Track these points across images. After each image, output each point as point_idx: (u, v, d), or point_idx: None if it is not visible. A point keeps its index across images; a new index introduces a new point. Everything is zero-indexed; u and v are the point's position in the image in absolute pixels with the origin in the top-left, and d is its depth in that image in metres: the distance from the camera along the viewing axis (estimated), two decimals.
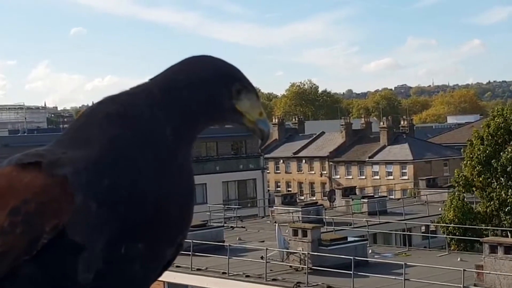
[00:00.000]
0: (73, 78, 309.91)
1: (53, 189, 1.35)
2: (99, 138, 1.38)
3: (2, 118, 69.15)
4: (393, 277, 21.02)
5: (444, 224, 30.69)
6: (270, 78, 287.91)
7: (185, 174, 1.43)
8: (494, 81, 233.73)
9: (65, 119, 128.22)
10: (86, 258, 1.35)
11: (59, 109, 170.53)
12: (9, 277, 1.36)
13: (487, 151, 31.26)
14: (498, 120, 31.62)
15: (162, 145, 1.39)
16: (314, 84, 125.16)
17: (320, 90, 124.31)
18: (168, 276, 21.08)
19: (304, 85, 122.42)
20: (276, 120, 71.69)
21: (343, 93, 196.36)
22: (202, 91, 1.46)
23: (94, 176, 1.35)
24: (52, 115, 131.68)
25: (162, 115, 1.41)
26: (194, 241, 23.81)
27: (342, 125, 67.30)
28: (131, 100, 1.42)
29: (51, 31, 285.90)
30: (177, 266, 23.02)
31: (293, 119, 78.75)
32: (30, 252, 1.34)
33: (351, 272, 20.69)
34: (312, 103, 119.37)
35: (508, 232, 29.00)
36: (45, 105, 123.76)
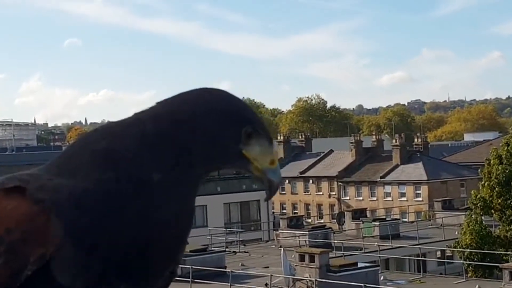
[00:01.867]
0: (66, 93, 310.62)
1: (39, 217, 1.34)
2: (86, 173, 1.37)
3: None
4: None
5: (461, 249, 30.62)
6: (275, 92, 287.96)
7: (175, 220, 1.40)
8: None
9: (56, 137, 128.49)
10: None
11: (49, 125, 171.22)
12: None
13: (507, 171, 31.27)
14: None
15: (146, 190, 1.36)
16: (322, 99, 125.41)
17: (328, 105, 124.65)
18: None
19: (312, 100, 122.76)
20: (282, 138, 71.74)
21: (353, 108, 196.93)
22: (205, 131, 1.40)
23: (75, 210, 1.34)
24: (43, 132, 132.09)
25: (150, 156, 1.37)
26: (193, 267, 23.76)
27: (352, 142, 67.29)
28: (120, 136, 1.40)
29: (44, 42, 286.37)
30: None
31: (300, 136, 78.80)
32: (13, 284, 1.33)
33: None
34: (320, 119, 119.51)
35: None
36: (34, 121, 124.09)
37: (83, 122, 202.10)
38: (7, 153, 45.19)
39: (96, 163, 1.38)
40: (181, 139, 1.39)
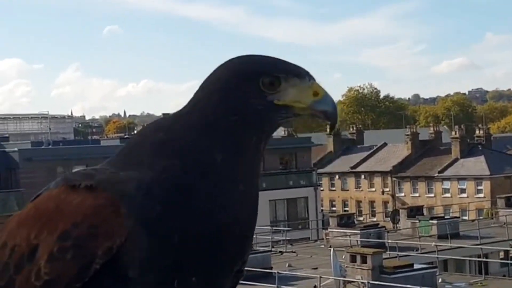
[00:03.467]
0: (104, 84, 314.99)
1: (105, 209, 1.40)
2: (149, 164, 1.44)
3: (24, 128, 70.72)
4: None
5: None
6: (325, 82, 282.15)
7: (247, 201, 1.46)
8: None
9: (94, 130, 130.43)
10: None
11: (87, 118, 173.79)
12: None
13: None
14: None
15: (213, 173, 1.43)
16: (375, 89, 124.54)
17: (382, 95, 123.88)
18: None
19: (364, 89, 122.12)
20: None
21: (409, 98, 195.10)
22: (230, 103, 1.47)
23: (146, 200, 1.39)
24: (80, 125, 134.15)
25: (206, 141, 1.45)
26: None
27: (407, 135, 66.80)
28: (174, 128, 1.49)
29: (83, 30, 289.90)
30: None
31: (351, 129, 78.51)
32: (82, 279, 1.39)
33: None
34: (372, 110, 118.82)
35: None
36: (71, 113, 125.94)
37: (122, 115, 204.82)
38: (43, 147, 45.91)
39: (157, 154, 1.45)
40: (220, 117, 1.47)
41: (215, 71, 1.53)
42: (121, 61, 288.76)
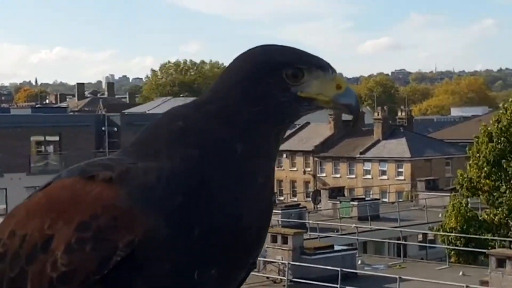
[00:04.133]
0: (15, 49, 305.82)
1: (126, 201, 1.40)
2: (169, 154, 1.45)
3: None
4: None
5: (445, 233, 31.07)
6: None
7: (264, 193, 1.48)
8: (507, 69, 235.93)
9: (3, 98, 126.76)
10: (156, 281, 1.40)
11: None
12: None
13: (497, 150, 31.65)
14: (510, 114, 31.97)
15: (233, 164, 1.45)
16: None
17: None
18: None
19: None
20: None
21: None
22: (252, 94, 1.49)
23: (166, 192, 1.40)
24: None
25: (227, 130, 1.47)
26: None
27: (330, 114, 67.23)
28: (192, 117, 1.49)
29: None
30: None
31: None
32: (101, 271, 1.39)
33: (338, 286, 20.92)
34: None
35: None
36: None
37: (33, 83, 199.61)
38: None
39: (175, 143, 1.46)
40: (239, 107, 1.49)
41: (235, 60, 1.55)
42: (33, 26, 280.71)
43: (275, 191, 54.66)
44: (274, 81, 1.50)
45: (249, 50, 1.56)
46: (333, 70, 1.54)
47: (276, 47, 1.54)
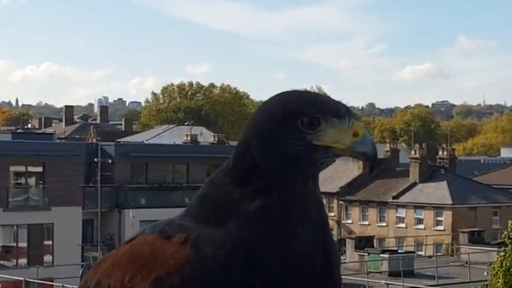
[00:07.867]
0: None
1: (197, 264, 1.69)
2: (214, 219, 1.74)
3: None
4: None
5: None
6: (267, 80, 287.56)
7: (311, 245, 1.73)
8: None
9: None
10: None
11: None
12: None
13: None
14: None
15: (254, 222, 1.71)
16: (324, 94, 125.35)
17: None
18: None
19: None
20: None
21: (363, 107, 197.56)
22: (271, 144, 1.71)
23: (227, 256, 1.68)
24: None
25: (238, 186, 1.73)
26: None
27: None
28: (213, 180, 1.80)
29: None
30: None
31: None
32: None
33: None
34: None
35: None
36: None
37: (14, 103, 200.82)
38: None
39: (202, 209, 1.78)
40: (262, 160, 1.71)
41: (257, 111, 1.78)
42: (18, 39, 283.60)
43: None
44: (290, 130, 1.70)
45: (269, 99, 1.77)
46: (351, 117, 1.71)
47: (293, 95, 1.75)
